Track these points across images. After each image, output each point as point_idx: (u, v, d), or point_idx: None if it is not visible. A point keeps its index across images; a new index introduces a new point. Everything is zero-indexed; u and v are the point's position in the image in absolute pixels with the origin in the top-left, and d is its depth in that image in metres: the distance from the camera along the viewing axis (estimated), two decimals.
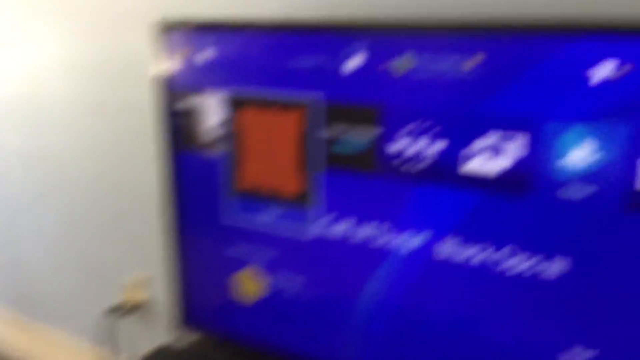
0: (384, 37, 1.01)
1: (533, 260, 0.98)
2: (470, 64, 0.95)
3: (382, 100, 1.04)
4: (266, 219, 1.23)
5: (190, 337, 1.46)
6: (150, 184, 1.63)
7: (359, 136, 1.08)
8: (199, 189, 1.30)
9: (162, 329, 1.79)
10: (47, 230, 2.01)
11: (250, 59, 1.16)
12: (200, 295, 1.39)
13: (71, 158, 1.83)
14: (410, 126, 1.02)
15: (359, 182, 1.10)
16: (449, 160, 1.00)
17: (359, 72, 1.05)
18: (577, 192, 0.92)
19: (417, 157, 1.03)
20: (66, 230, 1.94)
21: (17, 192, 2.04)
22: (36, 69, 1.82)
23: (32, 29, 1.80)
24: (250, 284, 1.30)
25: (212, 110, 1.24)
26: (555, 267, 0.96)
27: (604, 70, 0.86)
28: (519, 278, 1.00)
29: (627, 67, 0.84)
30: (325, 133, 1.11)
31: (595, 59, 0.86)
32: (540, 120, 0.92)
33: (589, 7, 1.00)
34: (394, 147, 1.05)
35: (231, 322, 1.36)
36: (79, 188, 1.85)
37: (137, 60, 1.58)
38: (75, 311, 2.03)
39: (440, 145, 1.00)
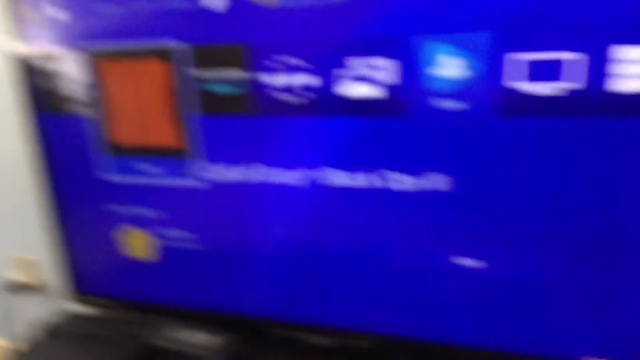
0: None
1: (418, 179, 1.00)
2: None
3: (248, 38, 1.00)
4: (145, 175, 1.18)
5: (88, 307, 1.41)
6: (18, 154, 1.52)
7: (230, 77, 1.04)
8: (72, 152, 1.23)
9: (57, 306, 1.72)
10: None
11: (103, 10, 1.09)
12: (88, 264, 1.33)
13: None
14: (280, 60, 1.00)
15: (236, 124, 1.07)
16: (323, 90, 0.99)
17: (222, 11, 1.01)
18: (451, 105, 0.93)
19: (290, 91, 1.01)
20: None
21: None
22: None
23: None
24: (139, 243, 1.26)
25: (72, 69, 1.16)
26: (439, 183, 0.99)
27: None
28: (405, 197, 1.02)
29: None
30: (194, 78, 1.07)
31: None
32: (406, 38, 0.92)
33: None
34: (266, 84, 1.02)
35: (124, 286, 1.32)
36: None
37: None
38: None
39: (312, 76, 0.99)
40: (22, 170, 1.54)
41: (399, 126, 0.96)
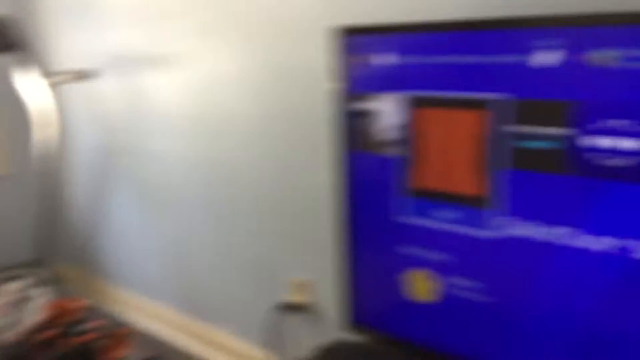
0: (576, 31, 0.98)
1: None
2: None
3: (575, 96, 1.00)
4: (442, 220, 1.22)
5: (358, 338, 1.48)
6: (323, 188, 1.68)
7: (548, 134, 1.04)
8: (373, 189, 1.32)
9: (328, 330, 1.83)
10: (215, 233, 2.13)
11: (430, 61, 1.17)
12: (369, 296, 1.40)
13: (248, 165, 1.94)
14: (609, 122, 0.97)
15: (546, 182, 1.06)
16: None
17: (547, 68, 1.02)
18: None
19: (614, 154, 0.98)
20: (236, 235, 2.06)
21: (193, 199, 2.19)
22: (211, 82, 1.96)
23: (207, 45, 1.94)
24: (422, 285, 1.29)
25: (388, 112, 1.26)
26: None
27: None
28: None
29: None
30: (510, 132, 1.09)
31: None
32: None
33: None
34: (588, 144, 1.00)
35: (401, 323, 1.36)
36: (253, 194, 1.95)
37: (310, 66, 1.65)
38: (242, 311, 2.13)
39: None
40: (325, 199, 1.69)
41: None
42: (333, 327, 1.79)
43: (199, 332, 2.31)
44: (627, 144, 0.96)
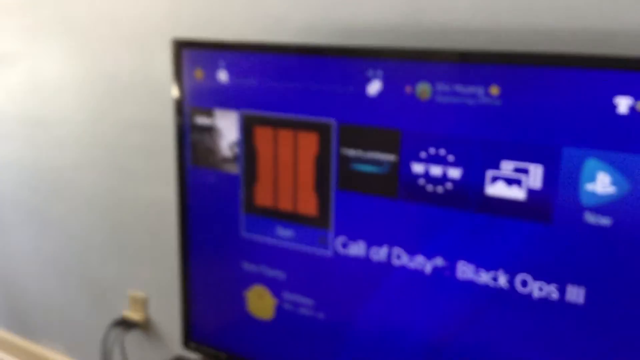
0: (402, 64, 1.03)
1: (551, 287, 0.99)
2: (490, 92, 0.97)
3: (401, 125, 1.05)
4: (278, 238, 1.24)
5: (196, 355, 1.45)
6: (163, 200, 1.63)
7: (377, 159, 1.09)
8: (213, 205, 1.31)
9: (167, 348, 1.78)
10: (42, 245, 2.00)
11: (265, 81, 1.18)
12: (208, 312, 1.39)
13: (79, 174, 1.83)
14: (429, 151, 1.04)
15: (376, 204, 1.11)
16: (465, 184, 1.02)
17: (378, 97, 1.07)
18: (597, 220, 0.93)
19: (435, 182, 1.04)
20: (69, 248, 1.94)
21: (15, 206, 2.03)
22: (44, 84, 1.82)
23: (38, 45, 1.81)
24: (260, 302, 1.30)
25: (227, 129, 1.25)
26: (574, 294, 0.97)
27: (626, 102, 0.88)
28: (534, 303, 1.00)
29: None
30: (342, 155, 1.12)
31: (617, 91, 0.88)
32: (559, 149, 0.93)
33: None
34: (412, 171, 1.06)
35: (240, 340, 1.36)
36: (86, 204, 1.85)
37: (151, 77, 1.59)
38: (75, 328, 2.02)
39: (458, 171, 1.02)
40: (165, 213, 1.64)
41: (538, 231, 0.97)
42: (172, 345, 1.76)
43: (29, 351, 2.16)
44: (439, 171, 1.03)
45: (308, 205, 1.19)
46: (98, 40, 1.68)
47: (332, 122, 1.12)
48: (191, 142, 1.30)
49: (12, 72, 1.89)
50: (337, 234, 1.17)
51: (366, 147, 1.10)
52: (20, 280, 2.10)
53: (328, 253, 1.18)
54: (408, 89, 1.03)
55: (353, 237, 1.15)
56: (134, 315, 1.82)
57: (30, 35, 1.82)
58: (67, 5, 1.72)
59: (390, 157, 1.08)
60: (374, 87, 1.07)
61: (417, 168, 1.05)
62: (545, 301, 0.99)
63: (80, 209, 1.87)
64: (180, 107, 1.30)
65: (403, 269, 1.11)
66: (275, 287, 1.27)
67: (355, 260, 1.15)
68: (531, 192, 0.96)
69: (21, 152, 1.96)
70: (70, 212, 1.89)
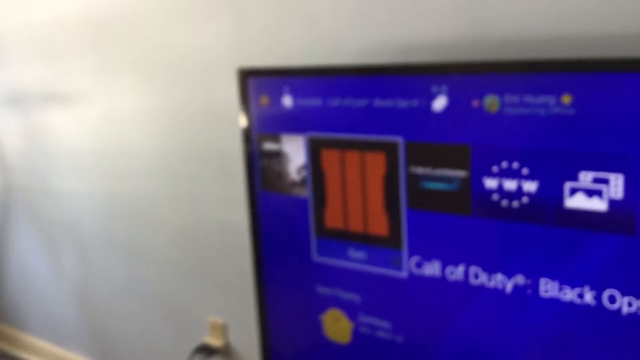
0: (468, 78, 1.01)
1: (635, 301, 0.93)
2: (562, 101, 0.93)
3: (470, 140, 1.03)
4: (352, 260, 1.22)
5: None
6: (236, 226, 1.66)
7: (447, 176, 1.06)
8: (285, 229, 1.31)
9: None
10: (124, 274, 2.06)
11: (329, 104, 1.18)
12: (285, 337, 1.39)
13: (156, 203, 1.89)
14: (501, 165, 1.00)
15: (449, 222, 1.08)
16: (544, 199, 0.97)
17: (444, 112, 1.04)
18: None
19: (510, 196, 1.00)
20: (149, 275, 1.99)
21: (99, 238, 2.11)
22: (118, 118, 1.89)
23: (111, 81, 1.88)
24: (337, 325, 1.29)
25: (294, 153, 1.25)
26: None
27: None
28: (624, 319, 0.95)
29: None
30: (411, 174, 1.10)
31: None
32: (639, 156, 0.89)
33: None
34: (485, 187, 1.03)
35: None
36: (164, 233, 1.90)
37: (220, 106, 1.62)
38: (156, 356, 2.06)
39: (534, 184, 0.98)
40: (239, 238, 1.66)
41: (623, 243, 0.91)
42: None
43: None
44: (514, 185, 0.99)
45: (379, 226, 1.17)
46: (167, 74, 1.73)
47: (399, 140, 1.11)
48: (260, 167, 1.32)
49: (88, 108, 1.98)
50: (411, 254, 1.14)
51: (435, 164, 1.08)
52: (103, 307, 2.18)
53: (403, 274, 1.16)
54: (475, 103, 1.01)
55: (427, 257, 1.12)
56: (215, 341, 1.84)
57: (104, 72, 1.89)
58: (136, 43, 1.78)
59: (460, 173, 1.05)
60: (440, 103, 1.05)
61: (490, 183, 1.02)
62: (635, 317, 0.93)
63: (156, 236, 1.92)
64: (248, 134, 1.32)
65: (482, 288, 1.07)
66: (351, 310, 1.25)
67: (431, 280, 1.13)
68: (613, 203, 0.91)
69: (99, 183, 2.04)
70: (147, 240, 1.95)
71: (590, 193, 0.93)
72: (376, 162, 1.15)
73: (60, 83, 2.03)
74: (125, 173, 1.93)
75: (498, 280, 1.05)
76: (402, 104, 1.09)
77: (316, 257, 1.28)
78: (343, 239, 1.23)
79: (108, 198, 2.02)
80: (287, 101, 1.24)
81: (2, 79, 2.22)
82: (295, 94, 1.22)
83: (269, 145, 1.29)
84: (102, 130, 1.96)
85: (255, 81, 1.28)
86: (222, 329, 1.82)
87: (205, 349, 1.86)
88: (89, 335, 2.28)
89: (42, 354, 2.46)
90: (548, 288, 1.00)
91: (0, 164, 2.36)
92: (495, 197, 1.02)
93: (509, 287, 1.04)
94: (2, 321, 2.61)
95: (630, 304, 0.93)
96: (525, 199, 0.99)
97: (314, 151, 1.23)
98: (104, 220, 2.06)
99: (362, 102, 1.14)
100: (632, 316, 0.93)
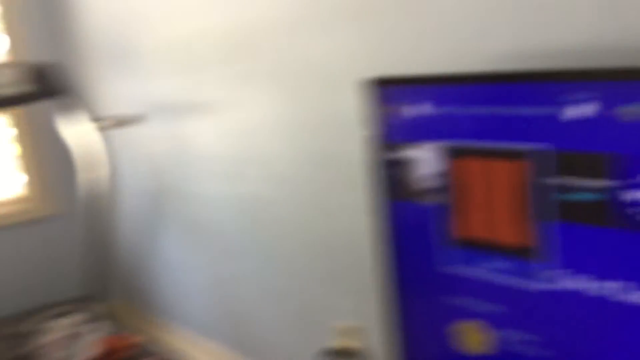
0: (612, 85, 0.95)
1: None
2: None
3: (616, 149, 0.97)
4: (489, 270, 1.20)
5: None
6: (362, 232, 1.68)
7: (590, 186, 1.01)
8: (416, 238, 1.31)
9: None
10: (261, 274, 2.14)
11: (465, 112, 1.16)
12: (418, 345, 1.38)
13: (289, 208, 1.95)
14: None
15: (592, 234, 1.03)
16: None
17: (582, 120, 0.99)
18: None
19: None
20: (282, 276, 2.06)
21: (238, 239, 2.22)
22: (250, 127, 1.99)
23: (244, 92, 1.97)
24: (473, 337, 1.27)
25: (426, 161, 1.24)
26: None
27: None
28: None
29: None
30: (552, 184, 1.06)
31: None
32: None
33: None
34: (630, 198, 0.97)
35: None
36: (296, 236, 1.96)
37: (346, 115, 1.65)
38: (288, 354, 2.13)
39: None
40: (366, 244, 1.68)
41: None
42: None
43: None
44: None
45: (519, 236, 1.14)
46: (296, 84, 1.78)
47: (539, 149, 1.07)
48: (389, 176, 1.32)
49: (223, 117, 2.08)
50: (557, 266, 1.10)
51: (579, 174, 1.03)
52: (244, 306, 2.28)
53: (549, 286, 1.12)
54: (623, 110, 0.95)
55: (574, 270, 1.07)
56: (345, 344, 1.87)
57: (239, 82, 1.98)
58: (268, 55, 1.85)
59: (607, 183, 0.99)
60: (587, 110, 0.99)
61: (636, 194, 0.96)
62: None
63: (292, 242, 1.98)
64: (376, 143, 1.32)
65: (627, 303, 1.01)
66: (488, 322, 1.23)
67: (576, 294, 1.08)
68: None
69: (235, 188, 2.14)
70: (283, 245, 2.02)
71: None
72: (515, 171, 1.11)
73: (199, 93, 2.15)
74: (260, 178, 2.02)
75: None
76: (545, 111, 1.05)
77: (451, 267, 1.26)
78: (478, 249, 1.20)
79: (245, 202, 2.12)
80: (418, 110, 1.23)
81: (152, 91, 2.39)
82: (431, 102, 1.21)
83: (397, 153, 1.29)
84: (236, 138, 2.06)
85: (386, 90, 1.29)
86: (352, 333, 1.85)
87: (334, 352, 1.89)
88: (227, 326, 2.41)
89: (186, 340, 2.62)
90: None
91: (153, 169, 2.54)
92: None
93: None
94: (153, 312, 2.82)
95: None
96: None
97: (450, 159, 1.21)
98: (240, 222, 2.17)
99: (498, 110, 1.11)
100: None
